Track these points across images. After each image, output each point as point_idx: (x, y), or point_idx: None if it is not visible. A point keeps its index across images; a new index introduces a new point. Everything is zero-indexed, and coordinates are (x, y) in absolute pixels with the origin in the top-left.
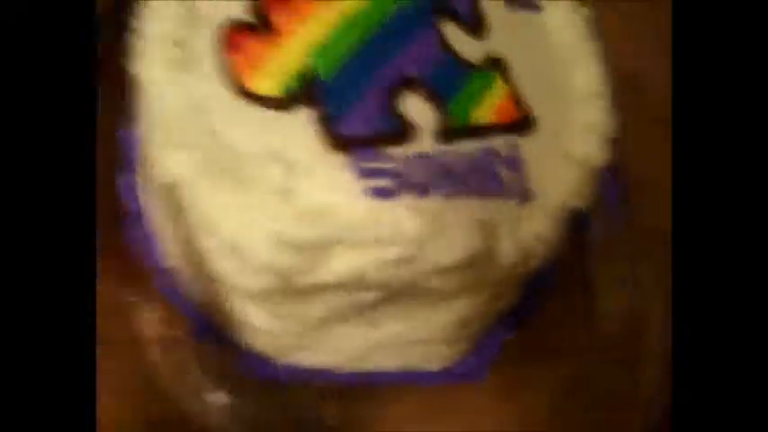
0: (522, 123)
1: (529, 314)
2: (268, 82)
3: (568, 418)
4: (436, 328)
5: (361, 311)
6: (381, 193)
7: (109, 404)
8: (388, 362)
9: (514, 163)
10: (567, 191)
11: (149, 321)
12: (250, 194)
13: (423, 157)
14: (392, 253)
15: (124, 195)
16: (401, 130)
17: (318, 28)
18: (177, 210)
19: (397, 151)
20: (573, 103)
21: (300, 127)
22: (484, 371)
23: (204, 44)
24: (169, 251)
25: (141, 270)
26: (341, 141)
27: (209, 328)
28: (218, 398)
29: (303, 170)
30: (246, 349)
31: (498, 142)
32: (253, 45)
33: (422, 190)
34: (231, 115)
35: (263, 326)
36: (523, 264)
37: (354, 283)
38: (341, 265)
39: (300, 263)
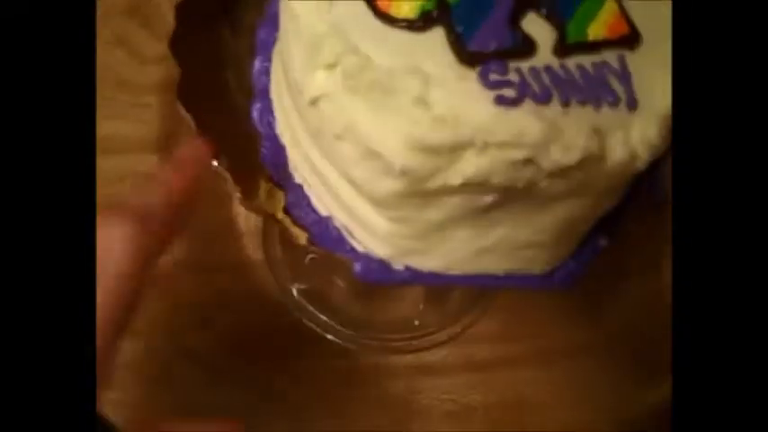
0: (629, 38)
1: (623, 225)
2: (405, 7)
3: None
4: (542, 230)
5: (476, 215)
6: (506, 102)
7: None
8: (494, 265)
9: (624, 74)
10: (671, 98)
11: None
12: (390, 104)
13: (543, 69)
14: (516, 155)
15: (258, 120)
16: (524, 46)
17: None
18: (319, 123)
19: (520, 64)
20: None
21: (435, 45)
22: (579, 277)
23: None
24: (298, 167)
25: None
26: (470, 56)
27: (329, 236)
28: None
29: (438, 82)
30: (364, 254)
31: (609, 56)
32: None
33: (542, 98)
34: (372, 37)
35: (384, 230)
36: (630, 166)
37: (478, 186)
38: (469, 167)
39: (433, 165)
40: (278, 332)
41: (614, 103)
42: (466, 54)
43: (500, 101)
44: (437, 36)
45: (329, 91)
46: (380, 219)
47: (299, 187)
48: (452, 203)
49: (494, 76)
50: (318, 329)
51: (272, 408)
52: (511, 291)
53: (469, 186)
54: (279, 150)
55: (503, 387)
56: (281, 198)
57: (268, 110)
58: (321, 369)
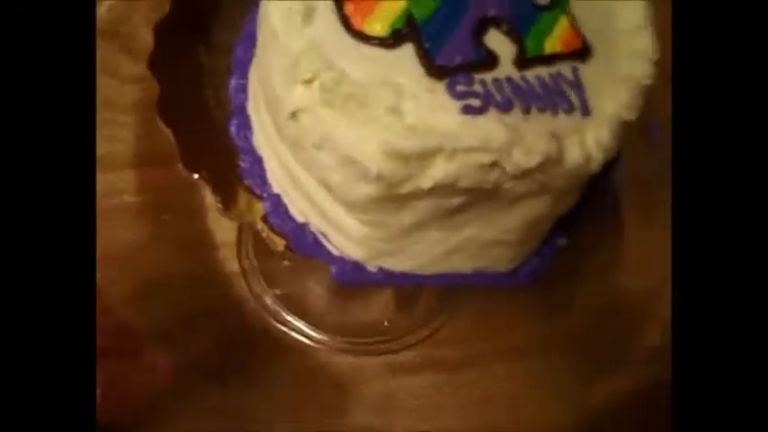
0: (581, 52)
1: (581, 222)
2: (377, 25)
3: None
4: (507, 229)
5: (445, 217)
6: (472, 110)
7: None
8: (463, 264)
9: (577, 84)
10: (620, 105)
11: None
12: (365, 114)
13: (505, 80)
14: (483, 158)
15: (236, 134)
16: (486, 60)
17: None
18: (297, 135)
19: (484, 76)
20: (621, 34)
21: (405, 60)
22: (542, 273)
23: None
24: (276, 177)
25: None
26: (438, 70)
27: (306, 241)
28: None
29: (409, 94)
30: (340, 257)
31: (564, 68)
32: None
33: (505, 106)
34: (347, 53)
35: (358, 233)
36: (585, 167)
37: (447, 189)
38: (439, 171)
39: (406, 170)
40: (255, 339)
41: (569, 110)
42: (434, 67)
43: (467, 110)
44: (407, 52)
45: (307, 104)
46: (355, 222)
47: (277, 196)
48: (423, 206)
49: (460, 88)
50: (294, 335)
51: (249, 414)
52: (478, 292)
53: (439, 189)
54: (256, 163)
55: (471, 386)
56: (259, 208)
57: (245, 125)
58: (298, 373)
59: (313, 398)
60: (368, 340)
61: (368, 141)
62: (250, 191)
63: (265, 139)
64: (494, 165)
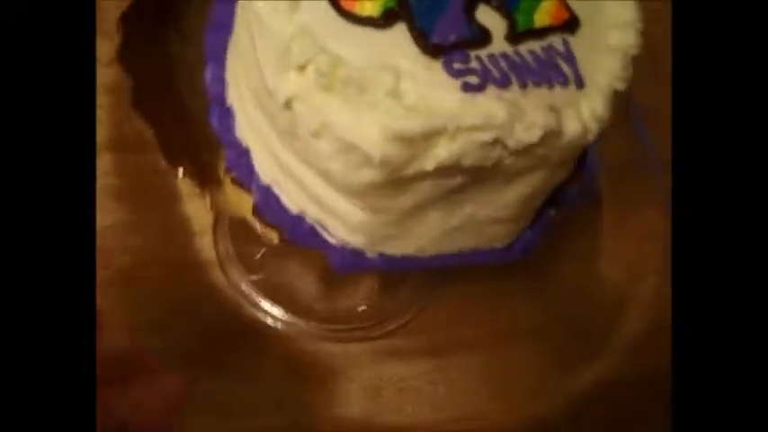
0: (570, 24)
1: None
2: (368, 5)
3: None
4: (505, 206)
5: (445, 197)
6: (472, 88)
7: None
8: (462, 243)
9: (569, 56)
10: (612, 77)
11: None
12: (365, 99)
13: (500, 56)
14: (485, 136)
15: (218, 127)
16: (480, 36)
17: None
18: (292, 124)
19: (479, 53)
20: (606, 5)
21: (399, 40)
22: (535, 247)
23: None
24: (265, 169)
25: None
26: (434, 48)
27: (303, 232)
28: None
29: (407, 74)
30: (338, 245)
31: (555, 40)
32: None
33: (503, 82)
34: (339, 36)
35: (358, 221)
36: (583, 139)
37: (449, 169)
38: (442, 151)
39: (409, 153)
40: (234, 327)
41: (564, 83)
42: (429, 46)
43: (466, 88)
44: (399, 32)
45: (302, 91)
46: (355, 210)
47: (267, 188)
48: (424, 188)
49: (457, 65)
50: (274, 323)
51: (228, 403)
52: (459, 279)
53: (441, 170)
54: (242, 154)
55: (454, 372)
56: (248, 201)
57: (226, 115)
58: (280, 360)
59: (296, 387)
60: (348, 326)
61: (370, 126)
62: (237, 183)
63: (251, 129)
64: (496, 142)
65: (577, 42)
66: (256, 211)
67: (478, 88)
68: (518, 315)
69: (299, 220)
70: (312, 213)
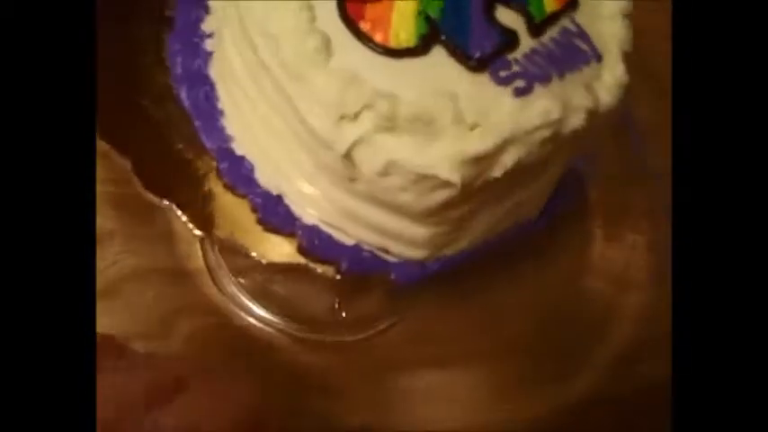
0: (572, 2)
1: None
2: (402, 35)
3: None
4: (540, 188)
5: (499, 193)
6: (522, 92)
7: None
8: (504, 225)
9: (582, 33)
10: (620, 41)
11: None
12: (432, 130)
13: (531, 53)
14: (545, 134)
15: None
16: (510, 38)
17: None
18: (352, 170)
19: (515, 55)
20: None
21: (442, 63)
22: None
23: (331, 25)
24: (312, 211)
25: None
26: (478, 63)
27: (363, 260)
28: None
29: (463, 96)
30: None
31: (565, 21)
32: (372, 11)
33: (545, 78)
34: (385, 74)
35: (423, 237)
36: (612, 106)
37: (511, 171)
38: (509, 158)
39: (481, 167)
40: (227, 335)
41: (587, 60)
42: (473, 62)
43: (517, 93)
44: (439, 55)
45: (364, 137)
46: (420, 229)
47: (313, 227)
48: (486, 191)
49: (503, 73)
50: (266, 328)
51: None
52: (429, 294)
53: (507, 173)
54: (277, 202)
55: (435, 385)
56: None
57: (239, 165)
58: (272, 369)
59: (289, 396)
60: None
61: (444, 157)
62: (274, 230)
63: (281, 175)
64: (553, 135)
65: (581, 18)
66: (303, 251)
67: (527, 90)
68: (505, 328)
69: (356, 250)
70: (372, 241)
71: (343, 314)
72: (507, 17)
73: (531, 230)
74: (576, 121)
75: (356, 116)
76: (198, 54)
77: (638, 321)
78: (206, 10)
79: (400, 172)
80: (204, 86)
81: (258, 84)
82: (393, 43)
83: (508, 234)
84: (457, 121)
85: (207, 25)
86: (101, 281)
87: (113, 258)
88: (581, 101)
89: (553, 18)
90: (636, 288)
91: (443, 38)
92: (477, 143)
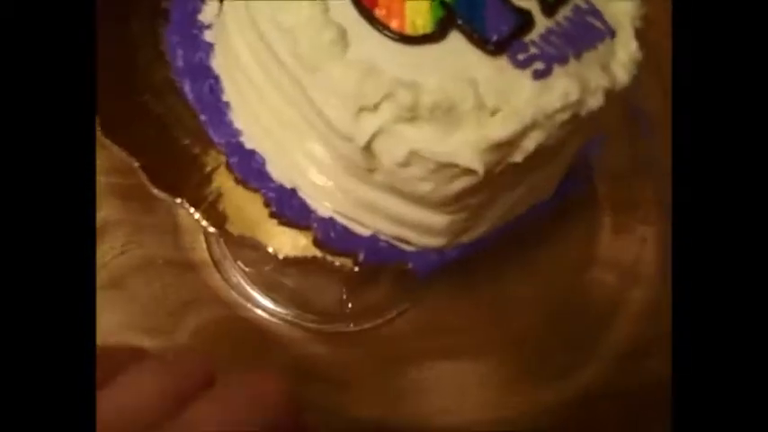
0: None
1: None
2: (419, 21)
3: None
4: (559, 166)
5: (516, 177)
6: (541, 74)
7: None
8: (521, 208)
9: (593, 10)
10: (630, 17)
11: None
12: (453, 118)
13: (547, 33)
14: (565, 116)
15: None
16: (526, 20)
17: None
18: (372, 161)
19: (531, 37)
20: None
21: (460, 49)
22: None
23: (345, 14)
24: (327, 202)
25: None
26: (496, 47)
27: (380, 250)
28: None
29: (483, 81)
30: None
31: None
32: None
33: (562, 59)
34: (403, 62)
35: (442, 225)
36: (628, 83)
37: (532, 155)
38: (531, 143)
39: (502, 153)
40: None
41: (602, 38)
42: (490, 45)
43: (536, 75)
44: (455, 40)
45: (384, 128)
46: (439, 217)
47: (329, 219)
48: (506, 176)
49: (521, 56)
50: (273, 319)
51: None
52: (439, 284)
53: (527, 158)
54: (291, 195)
55: (438, 375)
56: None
57: (249, 159)
58: (280, 362)
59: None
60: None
61: (466, 143)
62: (288, 223)
63: (295, 169)
64: (573, 117)
65: None
66: (319, 244)
67: (546, 72)
68: (515, 319)
69: (373, 240)
70: (389, 231)
71: (350, 305)
72: None
73: (542, 213)
74: (595, 101)
75: (376, 107)
76: (198, 46)
77: (645, 315)
78: (203, 0)
79: (421, 161)
80: (208, 79)
81: (269, 76)
82: (410, 30)
83: (521, 219)
84: (478, 107)
85: (204, 15)
86: (107, 273)
87: (120, 249)
88: (599, 81)
89: None
90: (644, 281)
91: (460, 22)
92: (500, 129)
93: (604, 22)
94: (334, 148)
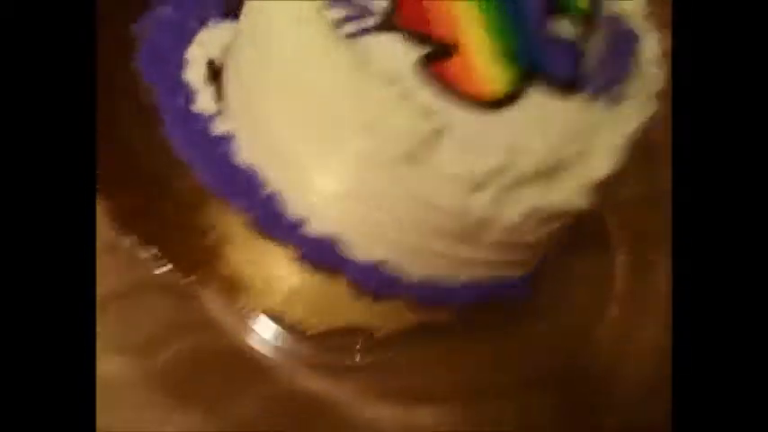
0: None
1: None
2: (497, 84)
3: None
4: None
5: None
6: (614, 100)
7: None
8: None
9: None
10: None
11: None
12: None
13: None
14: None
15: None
16: (581, 49)
17: (470, 20)
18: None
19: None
20: None
21: (539, 99)
22: None
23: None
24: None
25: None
26: (570, 86)
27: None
28: None
29: (573, 125)
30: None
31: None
32: (454, 65)
33: (622, 77)
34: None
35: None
36: None
37: None
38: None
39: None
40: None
41: (637, 38)
42: (566, 88)
43: (610, 101)
44: (536, 94)
45: (496, 197)
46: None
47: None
48: None
49: (589, 88)
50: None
51: None
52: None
53: None
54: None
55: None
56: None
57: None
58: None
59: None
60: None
61: (575, 189)
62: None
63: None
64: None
65: None
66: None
67: (617, 96)
68: (516, 367)
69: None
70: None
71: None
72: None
73: None
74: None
75: (483, 185)
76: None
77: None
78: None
79: (537, 213)
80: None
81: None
82: (490, 95)
83: None
84: (580, 155)
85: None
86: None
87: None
88: (652, 87)
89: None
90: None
91: (531, 75)
92: (603, 167)
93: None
94: (444, 227)
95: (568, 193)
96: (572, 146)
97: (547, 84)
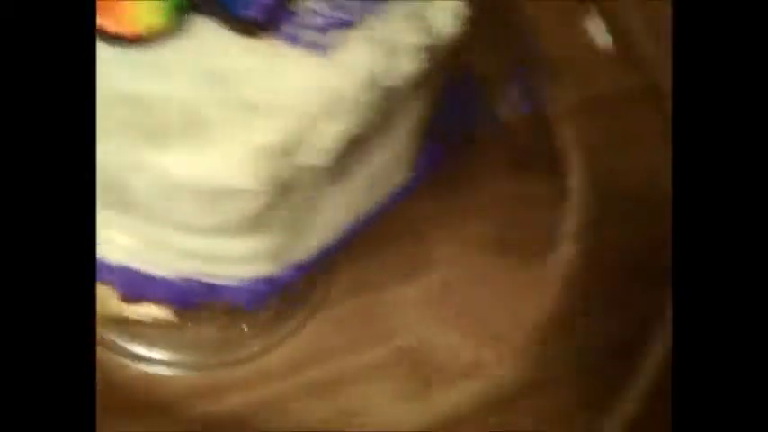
0: None
1: None
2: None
3: None
4: (395, 151)
5: (336, 173)
6: (325, 49)
7: None
8: (366, 204)
9: None
10: None
11: None
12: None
13: None
14: (369, 98)
15: None
16: None
17: None
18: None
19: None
20: None
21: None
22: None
23: None
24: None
25: None
26: (254, 24)
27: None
28: None
29: (245, 73)
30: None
31: None
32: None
33: (346, 23)
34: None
35: (250, 251)
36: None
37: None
38: (327, 138)
39: (286, 161)
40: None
41: None
42: (250, 24)
43: (319, 50)
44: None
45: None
46: (241, 244)
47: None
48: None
49: (291, 30)
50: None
51: None
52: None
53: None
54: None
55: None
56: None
57: None
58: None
59: None
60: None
61: (227, 160)
62: None
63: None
64: (386, 92)
65: None
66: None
67: (333, 44)
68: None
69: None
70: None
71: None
72: None
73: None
74: (410, 65)
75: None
76: None
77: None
78: None
79: (182, 191)
80: None
81: None
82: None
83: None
84: (238, 108)
85: None
86: None
87: None
88: (411, 38)
89: None
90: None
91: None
92: (269, 132)
93: None
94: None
95: (217, 164)
96: (222, 100)
97: (220, 18)
